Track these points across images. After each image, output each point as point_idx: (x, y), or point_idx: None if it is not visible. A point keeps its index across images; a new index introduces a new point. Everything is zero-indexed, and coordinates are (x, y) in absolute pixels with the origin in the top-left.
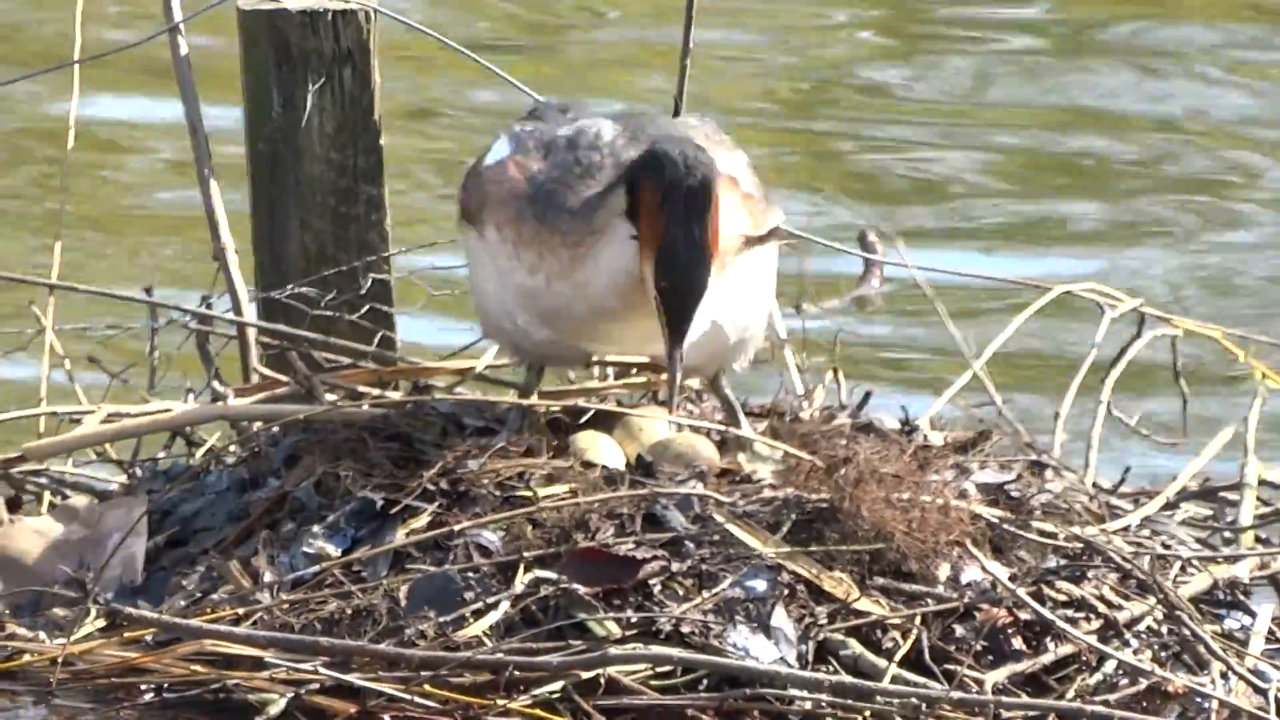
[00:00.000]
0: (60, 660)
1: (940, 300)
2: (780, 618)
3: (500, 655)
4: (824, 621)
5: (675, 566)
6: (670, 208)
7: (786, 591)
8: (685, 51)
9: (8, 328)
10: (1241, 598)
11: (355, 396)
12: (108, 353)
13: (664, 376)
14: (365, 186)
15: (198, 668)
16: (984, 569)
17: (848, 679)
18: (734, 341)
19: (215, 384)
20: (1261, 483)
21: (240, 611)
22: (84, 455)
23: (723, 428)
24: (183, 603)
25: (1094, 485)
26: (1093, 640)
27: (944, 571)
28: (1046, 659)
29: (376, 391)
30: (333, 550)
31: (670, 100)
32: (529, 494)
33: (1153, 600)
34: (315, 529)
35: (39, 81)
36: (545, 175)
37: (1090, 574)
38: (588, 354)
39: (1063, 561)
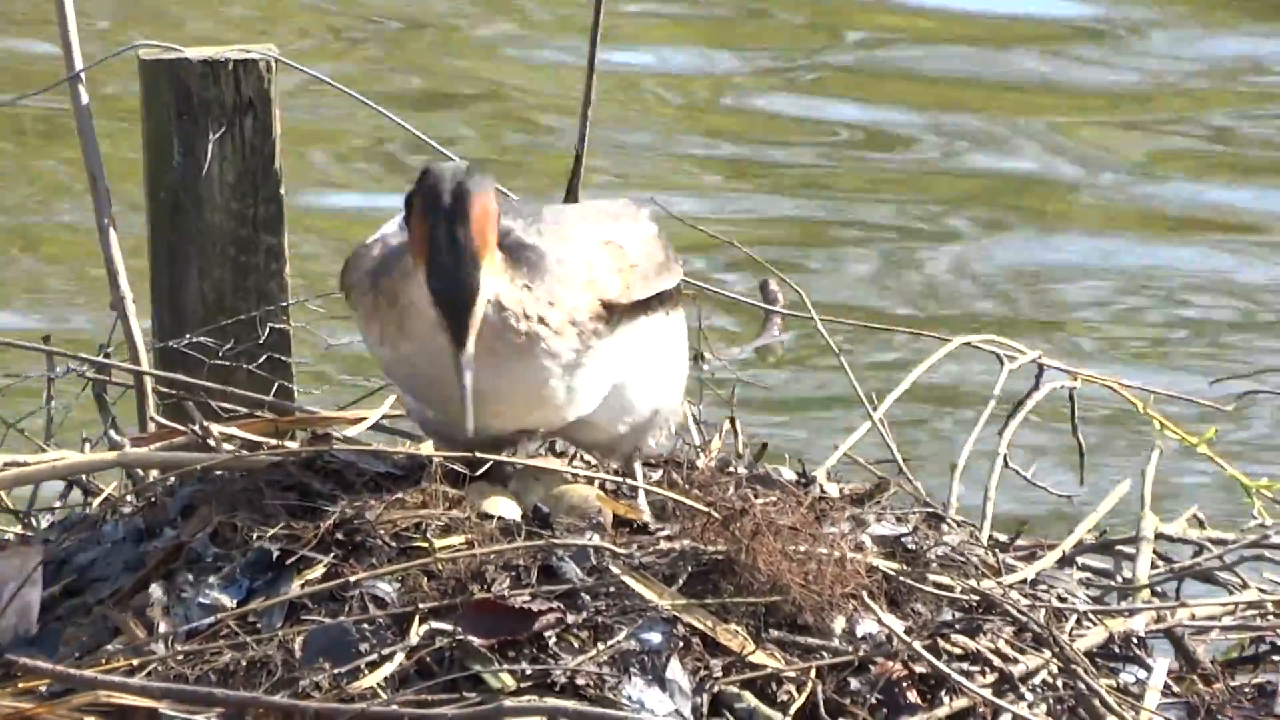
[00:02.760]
0: None
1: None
2: (675, 670)
3: (395, 707)
4: (719, 674)
5: (571, 618)
6: (431, 215)
7: (682, 644)
8: (586, 101)
9: None
10: (1138, 651)
11: (252, 447)
12: (4, 402)
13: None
14: (265, 236)
15: (92, 719)
16: (880, 622)
17: None
18: (648, 414)
19: (112, 433)
20: (1158, 536)
21: (135, 662)
22: None
23: (618, 479)
24: (77, 653)
25: (990, 538)
26: (988, 694)
27: (839, 624)
28: (941, 713)
29: (274, 442)
30: (228, 601)
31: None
32: (425, 545)
33: (1048, 654)
34: (211, 579)
35: None
36: (398, 246)
37: (986, 627)
38: (502, 434)
39: (958, 614)
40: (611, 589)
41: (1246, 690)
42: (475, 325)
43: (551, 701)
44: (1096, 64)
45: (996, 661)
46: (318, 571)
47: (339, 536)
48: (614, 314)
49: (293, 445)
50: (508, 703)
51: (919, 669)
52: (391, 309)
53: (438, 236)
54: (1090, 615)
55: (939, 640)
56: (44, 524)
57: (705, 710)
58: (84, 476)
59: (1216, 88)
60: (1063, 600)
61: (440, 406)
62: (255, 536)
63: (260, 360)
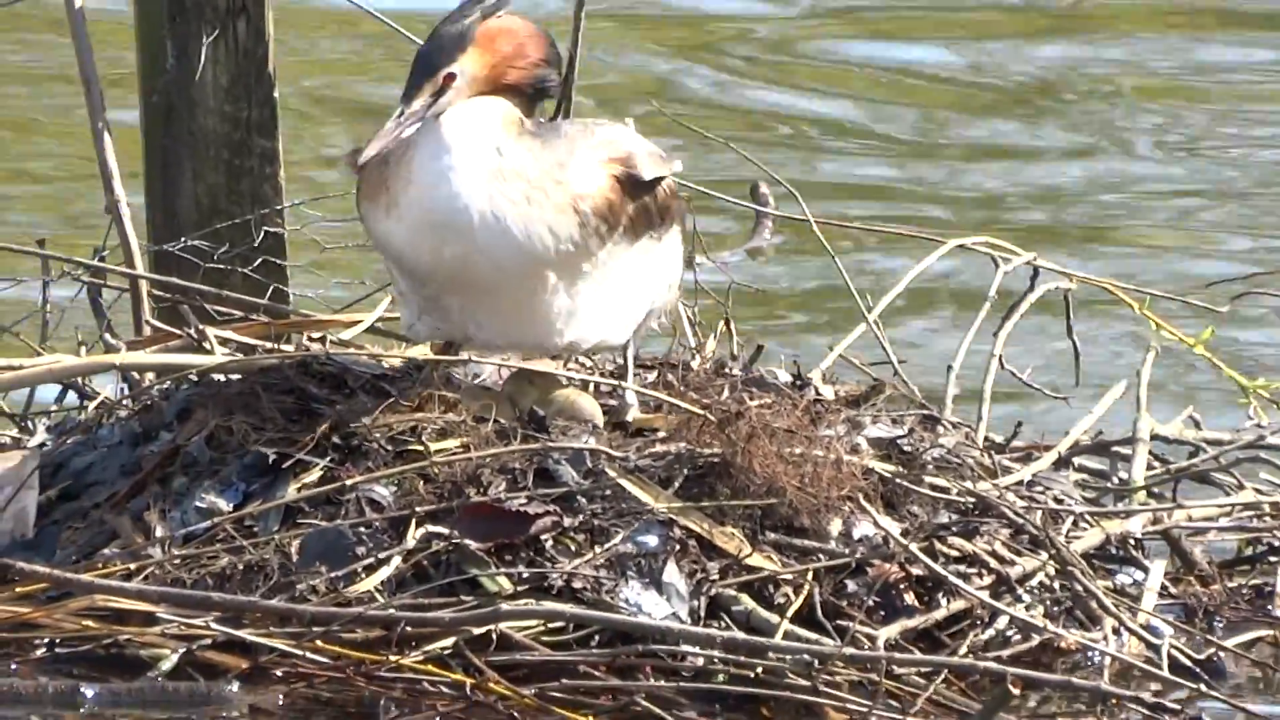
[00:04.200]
0: None
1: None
2: (672, 573)
3: (392, 611)
4: (716, 577)
5: (567, 522)
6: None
7: (678, 547)
8: (577, 27)
9: None
10: (1134, 553)
11: (247, 350)
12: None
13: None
14: (259, 139)
15: (89, 623)
16: (876, 524)
17: (740, 635)
18: (642, 319)
19: (107, 336)
20: (1154, 437)
21: (132, 566)
22: None
23: (612, 382)
24: (74, 557)
25: (986, 439)
26: (985, 596)
27: (836, 527)
28: (939, 615)
29: (269, 345)
30: (224, 505)
31: None
32: (421, 448)
33: (1045, 556)
34: (207, 483)
35: None
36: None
37: (982, 529)
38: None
39: (955, 517)
40: (608, 492)
41: (1244, 591)
42: (427, 90)
43: (549, 605)
44: None
45: (993, 563)
46: (314, 475)
47: (335, 440)
48: (624, 202)
49: (288, 349)
50: (505, 606)
51: (916, 571)
52: (395, 173)
53: (448, 14)
54: (1087, 517)
55: (935, 542)
56: (40, 428)
57: (702, 613)
58: (80, 380)
59: None
60: (1059, 502)
61: (422, 283)
62: (252, 440)
63: (255, 264)
